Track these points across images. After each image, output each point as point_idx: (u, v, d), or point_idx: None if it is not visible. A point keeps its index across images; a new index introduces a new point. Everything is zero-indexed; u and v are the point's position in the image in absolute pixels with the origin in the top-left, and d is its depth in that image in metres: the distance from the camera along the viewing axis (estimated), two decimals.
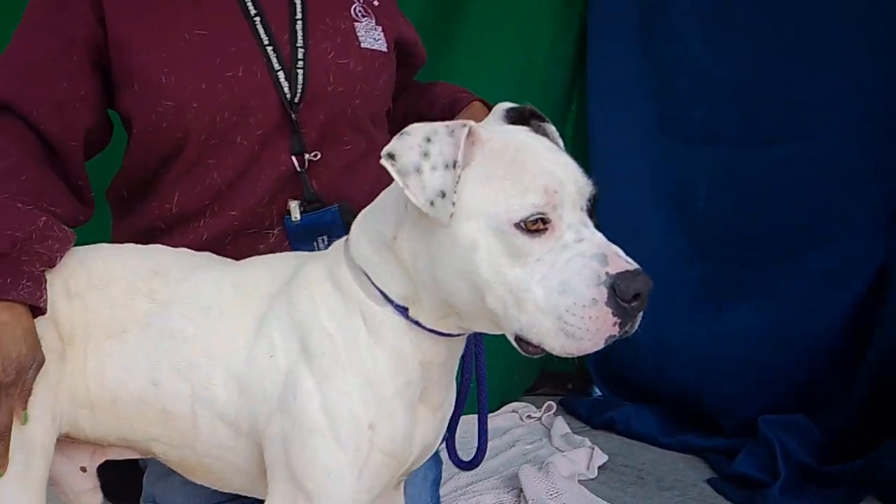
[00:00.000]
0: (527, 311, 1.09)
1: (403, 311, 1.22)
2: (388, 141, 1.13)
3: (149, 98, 1.50)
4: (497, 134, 1.17)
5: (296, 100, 1.54)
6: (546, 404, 3.15)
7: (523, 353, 1.15)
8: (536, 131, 1.24)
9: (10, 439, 1.25)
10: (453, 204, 1.09)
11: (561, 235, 1.10)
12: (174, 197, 1.57)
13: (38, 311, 1.30)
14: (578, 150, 3.12)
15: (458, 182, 1.09)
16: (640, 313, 1.10)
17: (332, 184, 1.59)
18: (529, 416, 3.10)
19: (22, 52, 1.49)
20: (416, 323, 1.22)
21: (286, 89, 1.53)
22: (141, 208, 1.62)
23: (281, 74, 1.53)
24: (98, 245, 1.46)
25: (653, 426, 2.91)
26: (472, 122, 1.13)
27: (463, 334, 1.26)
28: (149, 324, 1.32)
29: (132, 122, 1.56)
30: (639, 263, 1.08)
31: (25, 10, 1.53)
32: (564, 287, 1.07)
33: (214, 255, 1.46)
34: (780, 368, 2.67)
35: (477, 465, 1.61)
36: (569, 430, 2.92)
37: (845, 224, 2.54)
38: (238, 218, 1.57)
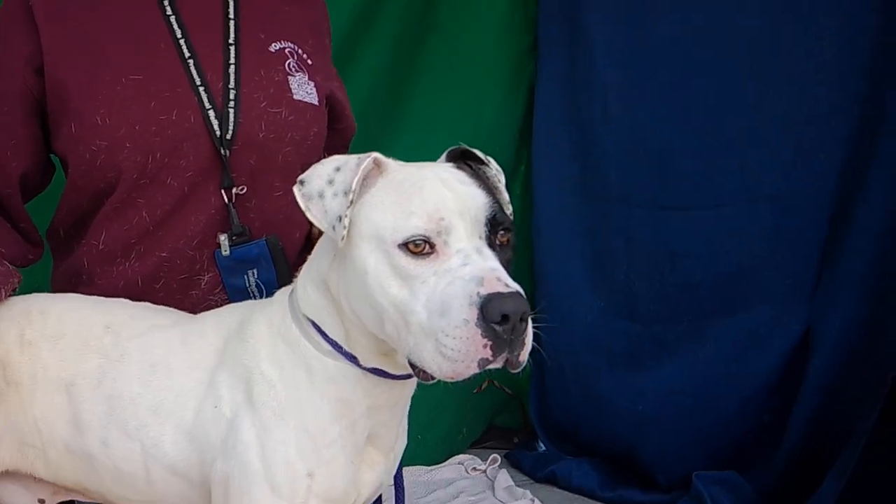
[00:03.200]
0: (413, 332, 1.13)
1: (353, 359, 1.26)
2: None
3: (84, 138, 1.55)
4: (404, 166, 1.24)
5: (227, 136, 1.58)
6: (491, 457, 3.18)
7: (420, 380, 1.18)
8: (477, 172, 1.29)
9: None
10: (345, 228, 1.16)
11: (447, 260, 1.13)
12: (101, 234, 1.61)
13: None
14: (527, 208, 3.21)
15: (350, 207, 1.16)
16: (523, 339, 1.10)
17: (262, 228, 1.64)
18: (475, 469, 3.14)
19: None
20: (368, 369, 1.26)
21: (216, 127, 1.58)
22: (74, 248, 1.66)
23: (212, 113, 1.58)
24: (63, 295, 1.52)
25: (593, 481, 2.95)
26: (377, 154, 1.21)
27: (412, 376, 1.27)
28: (99, 381, 1.36)
29: (67, 161, 1.61)
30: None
31: None
32: (443, 309, 1.10)
33: (172, 310, 1.50)
34: (710, 426, 2.73)
35: None
36: (512, 483, 2.96)
37: (767, 288, 2.60)
38: (168, 259, 1.60)
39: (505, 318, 1.07)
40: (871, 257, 2.39)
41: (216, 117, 1.58)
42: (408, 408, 1.40)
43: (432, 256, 1.14)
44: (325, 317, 1.27)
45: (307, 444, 1.26)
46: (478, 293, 1.08)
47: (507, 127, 3.18)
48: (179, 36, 1.61)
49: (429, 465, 3.11)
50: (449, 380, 1.12)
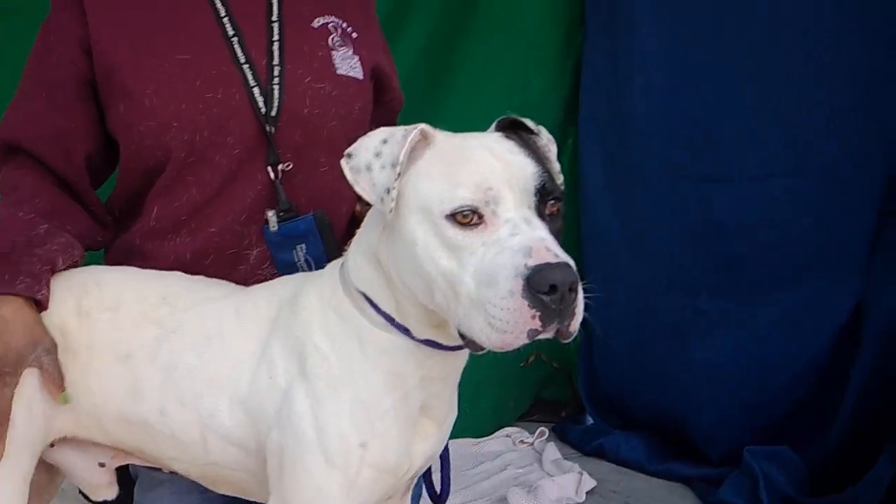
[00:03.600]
0: (462, 303, 1.13)
1: (406, 331, 1.27)
2: None
3: (132, 119, 1.58)
4: (452, 137, 1.24)
5: (272, 113, 1.60)
6: (539, 430, 3.21)
7: (471, 350, 1.18)
8: (527, 142, 1.27)
9: (7, 424, 1.34)
10: (393, 200, 1.16)
11: (496, 230, 1.13)
12: (153, 211, 1.63)
13: (39, 305, 1.42)
14: (574, 183, 3.17)
15: (398, 179, 1.16)
16: (573, 309, 1.09)
17: (308, 203, 1.65)
18: (522, 442, 3.17)
19: (23, 100, 1.63)
20: (421, 341, 1.27)
21: (261, 104, 1.60)
22: (127, 226, 1.69)
23: (256, 90, 1.59)
24: (120, 267, 1.56)
25: (641, 454, 2.96)
26: (425, 125, 1.21)
27: (463, 347, 1.27)
28: (155, 352, 1.39)
29: (119, 142, 1.65)
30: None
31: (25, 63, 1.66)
32: (491, 280, 1.09)
33: (225, 282, 1.53)
34: (762, 400, 2.71)
35: (445, 501, 1.59)
36: (559, 456, 2.99)
37: (817, 261, 2.57)
38: (217, 235, 1.62)
39: (553, 289, 1.07)
40: None
41: (261, 94, 1.60)
42: (458, 379, 1.41)
43: (480, 227, 1.14)
44: (377, 289, 1.28)
45: (360, 415, 1.27)
46: (525, 264, 1.08)
47: (555, 101, 3.16)
48: (223, 14, 1.63)
49: (476, 437, 3.14)
50: (499, 350, 1.12)
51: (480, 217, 1.14)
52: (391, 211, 1.18)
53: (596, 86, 3.06)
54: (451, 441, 1.52)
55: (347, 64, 1.69)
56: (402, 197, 1.19)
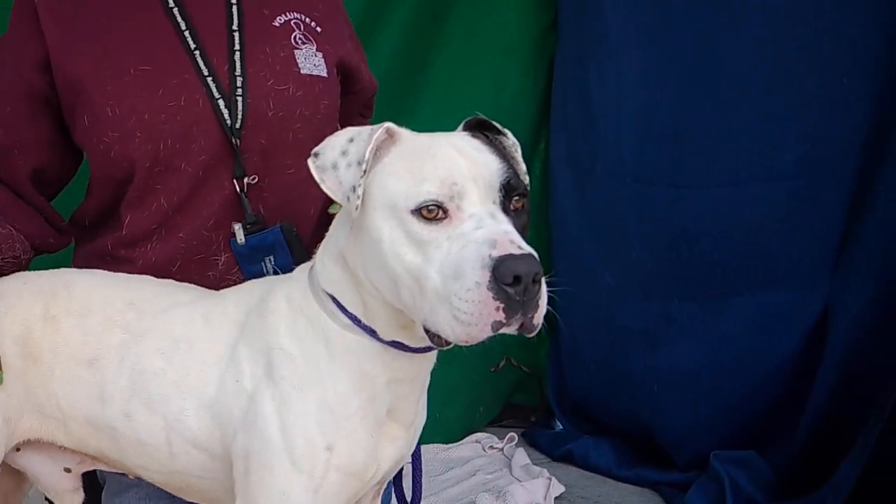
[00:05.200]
0: (428, 298, 1.13)
1: (372, 332, 1.27)
2: None
3: (97, 130, 1.58)
4: (417, 136, 1.25)
5: (237, 125, 1.60)
6: (508, 435, 3.21)
7: (436, 346, 1.18)
8: (493, 142, 1.28)
9: None
10: (359, 198, 1.17)
11: (460, 224, 1.14)
12: (125, 220, 1.64)
13: None
14: (546, 187, 3.20)
15: (364, 176, 1.17)
16: (537, 301, 1.10)
17: (276, 207, 1.65)
18: (491, 447, 3.16)
19: None
20: (388, 343, 1.27)
21: (226, 116, 1.59)
22: (97, 234, 1.70)
23: (221, 102, 1.59)
24: (90, 271, 1.55)
25: (610, 459, 2.97)
26: (390, 124, 1.22)
27: (433, 348, 1.28)
28: (122, 356, 1.38)
29: (86, 153, 1.65)
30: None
31: None
32: (456, 272, 1.10)
33: (194, 287, 1.52)
34: (729, 404, 2.73)
35: None
36: (528, 461, 2.99)
37: (785, 267, 2.59)
38: (185, 241, 1.63)
39: (517, 280, 1.07)
40: (890, 237, 2.37)
41: (226, 106, 1.60)
42: (427, 382, 1.41)
43: (445, 221, 1.15)
44: (344, 290, 1.28)
45: (327, 417, 1.27)
46: (489, 255, 1.08)
47: (528, 104, 3.17)
48: (184, 28, 1.62)
49: (446, 443, 3.14)
50: (464, 344, 1.12)
51: (445, 212, 1.15)
52: (357, 209, 1.18)
53: (567, 89, 3.07)
54: (420, 446, 1.51)
55: (311, 62, 1.68)
56: (368, 195, 1.20)
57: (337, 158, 1.20)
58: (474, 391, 3.23)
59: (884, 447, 2.25)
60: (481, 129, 1.31)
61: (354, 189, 1.17)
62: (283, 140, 1.64)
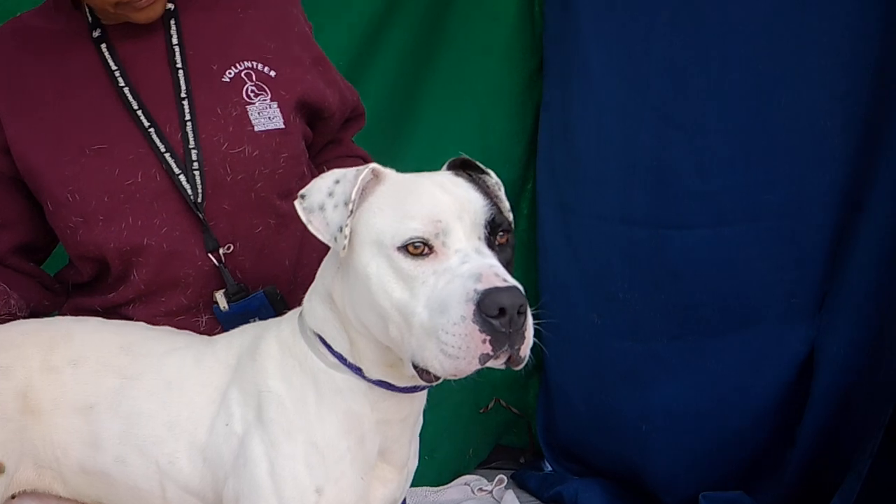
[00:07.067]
0: (415, 334, 1.14)
1: (358, 370, 1.28)
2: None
3: (61, 215, 1.58)
4: (402, 175, 1.27)
5: (199, 199, 1.58)
6: (497, 477, 3.18)
7: (425, 383, 1.19)
8: (477, 181, 1.31)
9: None
10: (346, 237, 1.19)
11: (446, 259, 1.16)
12: (106, 294, 1.65)
13: None
14: (534, 227, 3.21)
15: (351, 216, 1.19)
16: (523, 332, 1.11)
17: (252, 268, 1.64)
18: (481, 489, 3.13)
19: None
20: (374, 382, 1.27)
21: (189, 191, 1.57)
22: (84, 293, 1.71)
23: (182, 178, 1.57)
24: (86, 318, 1.56)
25: (599, 501, 2.94)
26: (376, 165, 1.24)
27: (420, 388, 1.30)
28: (117, 401, 1.38)
29: (58, 235, 1.65)
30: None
31: None
32: (443, 307, 1.12)
33: (187, 332, 1.53)
34: (715, 446, 2.72)
35: None
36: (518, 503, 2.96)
37: (771, 307, 2.60)
38: (166, 304, 1.63)
39: (502, 312, 1.09)
40: (874, 276, 2.39)
41: (187, 181, 1.58)
42: (419, 425, 1.41)
43: (431, 257, 1.17)
44: (331, 329, 1.29)
45: (316, 459, 1.27)
46: (475, 289, 1.10)
47: (515, 146, 3.19)
48: (136, 107, 1.59)
49: (435, 486, 3.11)
50: (452, 378, 1.14)
51: (431, 248, 1.17)
52: (345, 248, 1.19)
53: (552, 131, 3.09)
54: (409, 489, 1.50)
55: (266, 116, 1.63)
56: (355, 233, 1.22)
57: (324, 200, 1.22)
58: (464, 433, 3.21)
59: (873, 484, 2.25)
60: (465, 169, 1.33)
61: (342, 229, 1.19)
62: (247, 201, 1.62)
